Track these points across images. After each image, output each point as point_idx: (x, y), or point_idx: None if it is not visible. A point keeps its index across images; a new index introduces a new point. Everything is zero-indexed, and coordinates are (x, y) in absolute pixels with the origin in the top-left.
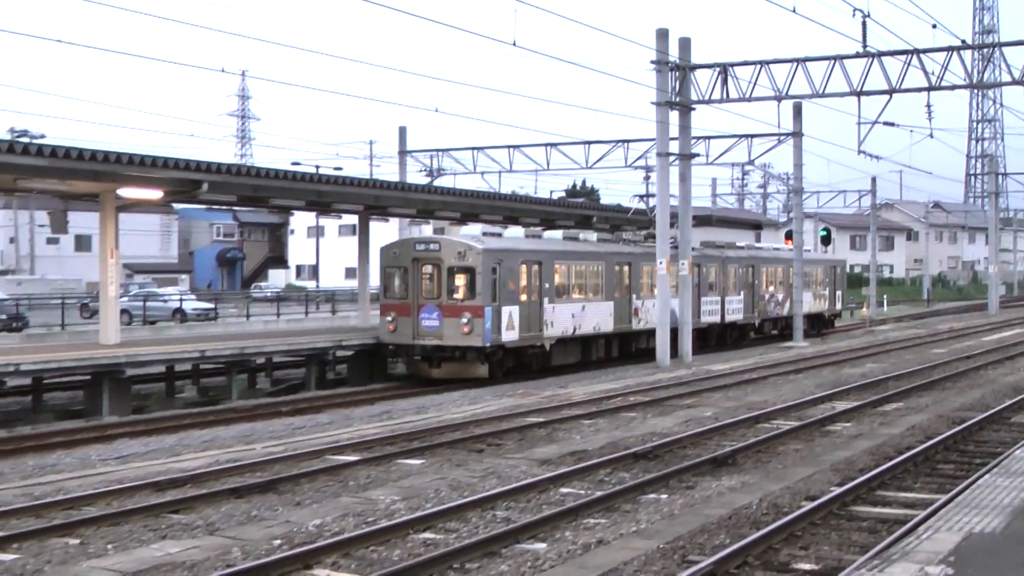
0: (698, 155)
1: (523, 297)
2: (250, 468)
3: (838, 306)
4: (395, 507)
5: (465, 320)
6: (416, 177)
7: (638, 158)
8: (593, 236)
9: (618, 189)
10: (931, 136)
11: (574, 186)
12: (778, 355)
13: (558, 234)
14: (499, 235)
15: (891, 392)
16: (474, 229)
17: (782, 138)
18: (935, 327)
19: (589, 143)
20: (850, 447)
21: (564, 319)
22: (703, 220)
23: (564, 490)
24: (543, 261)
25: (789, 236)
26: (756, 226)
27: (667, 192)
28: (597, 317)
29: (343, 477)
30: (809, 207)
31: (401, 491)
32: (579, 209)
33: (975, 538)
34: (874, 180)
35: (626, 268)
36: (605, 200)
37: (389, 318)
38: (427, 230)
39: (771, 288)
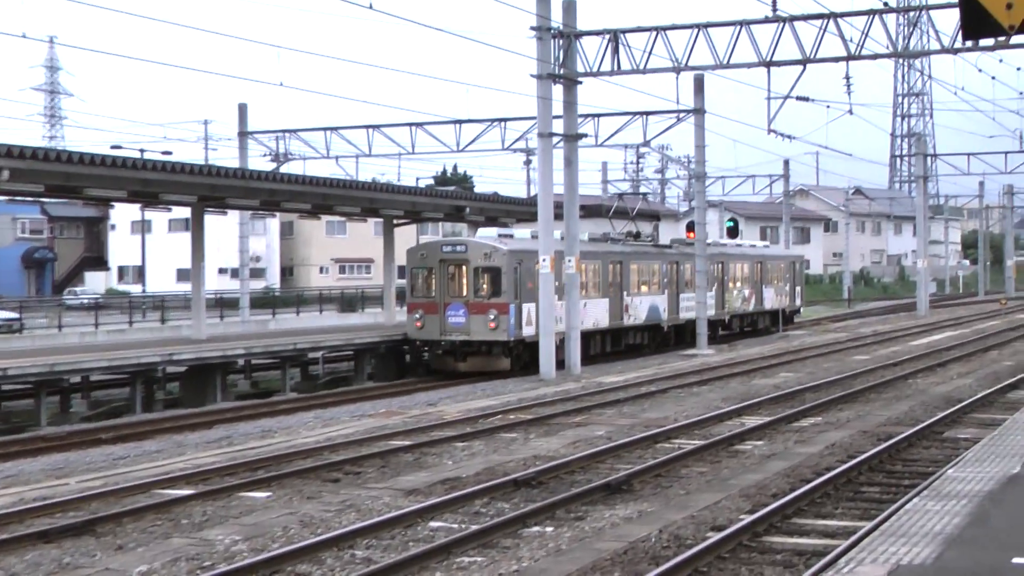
0: (586, 135)
1: (537, 295)
2: (62, 507)
3: (798, 302)
4: (236, 548)
5: (492, 316)
6: (260, 163)
7: (517, 139)
8: (584, 235)
9: (494, 176)
10: (851, 112)
11: (444, 172)
12: (680, 364)
13: (557, 234)
14: (512, 236)
15: (808, 405)
16: (490, 231)
17: (682, 116)
18: (857, 330)
19: (460, 122)
20: (762, 469)
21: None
22: (592, 211)
23: (434, 524)
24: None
25: (691, 228)
26: (654, 216)
27: (550, 178)
28: (596, 313)
29: (174, 514)
30: (714, 194)
31: (243, 529)
32: (450, 199)
33: (903, 571)
34: (787, 163)
35: (618, 267)
36: (480, 188)
37: (417, 316)
38: (311, 224)
39: (738, 284)
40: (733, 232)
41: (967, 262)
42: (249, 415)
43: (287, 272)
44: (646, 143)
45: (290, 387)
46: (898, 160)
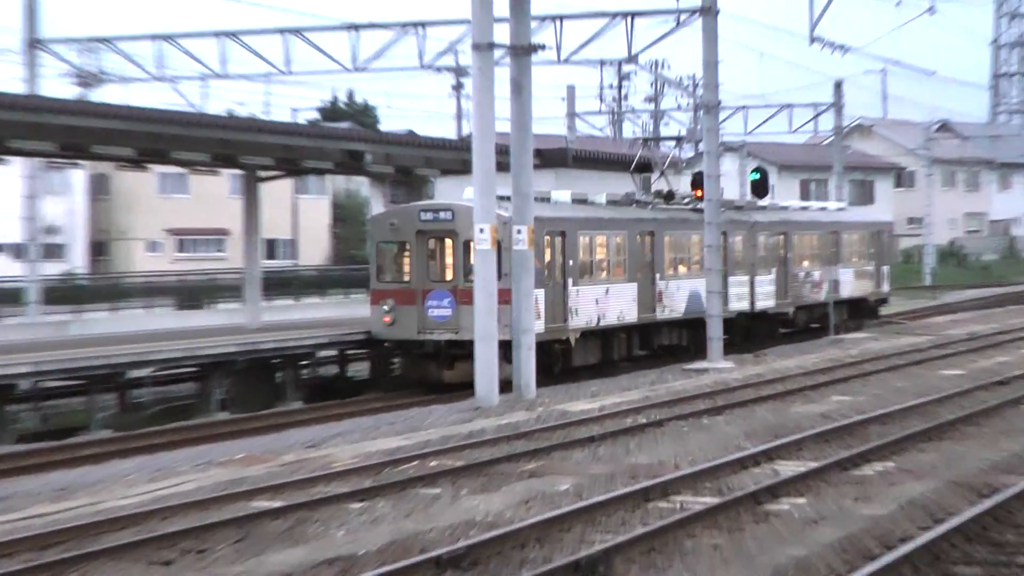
0: (543, 47)
1: (547, 279)
2: None
3: (885, 287)
4: None
5: None
6: (58, 86)
7: (442, 53)
8: (602, 198)
9: (410, 108)
10: (932, 11)
11: (335, 103)
12: (683, 383)
13: (566, 196)
14: (508, 197)
15: (872, 445)
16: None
17: (684, 18)
18: (945, 331)
19: (357, 28)
20: (805, 540)
21: (588, 306)
22: (554, 158)
23: None
24: (567, 232)
25: (698, 182)
26: (643, 167)
27: (490, 110)
28: (620, 303)
29: None
30: (732, 133)
31: None
32: (343, 141)
33: None
34: (839, 87)
35: (647, 240)
36: (389, 126)
37: (386, 307)
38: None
39: (806, 264)
40: (760, 188)
41: None
42: (37, 465)
43: (99, 250)
44: (632, 58)
45: (101, 422)
46: (1004, 81)
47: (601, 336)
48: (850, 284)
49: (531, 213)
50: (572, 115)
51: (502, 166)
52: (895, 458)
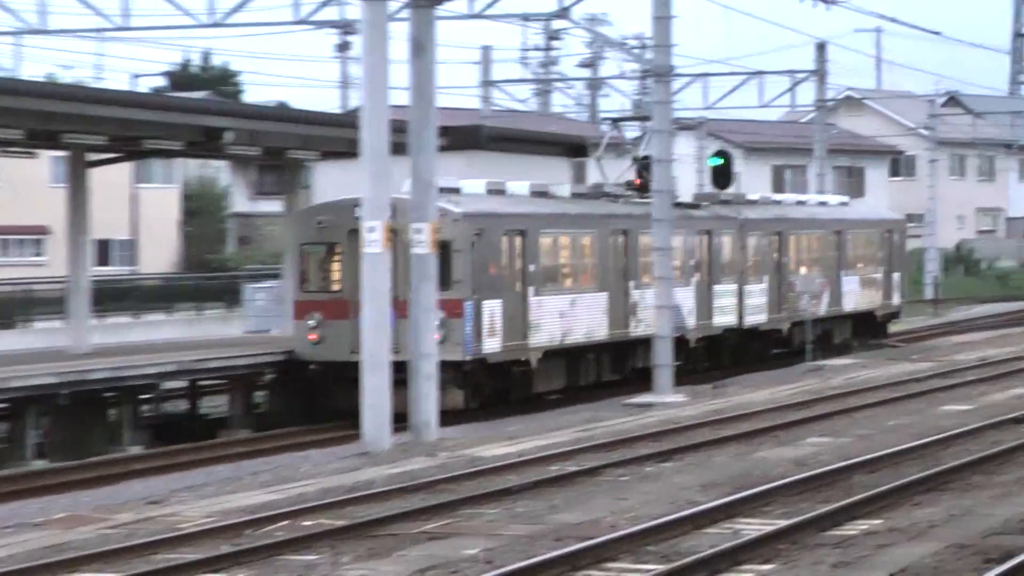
0: None
1: (505, 287)
2: None
3: (895, 299)
4: None
5: (436, 322)
6: None
7: (323, 4)
8: (565, 190)
9: (282, 74)
10: None
11: (187, 66)
12: (624, 422)
13: (524, 188)
14: (458, 191)
15: (859, 497)
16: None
17: None
18: (949, 355)
19: None
20: None
21: (552, 320)
22: (465, 138)
23: None
24: (528, 231)
25: (643, 168)
26: (576, 150)
27: (384, 76)
28: (590, 317)
29: None
30: (688, 108)
31: None
32: (198, 115)
33: None
34: (822, 49)
35: (620, 240)
36: (256, 96)
37: (311, 323)
38: None
39: (803, 271)
40: (722, 176)
41: None
42: None
43: None
44: (563, 12)
45: None
46: None
47: (566, 356)
48: (855, 295)
49: (433, 205)
50: (488, 84)
51: (399, 147)
52: (885, 515)
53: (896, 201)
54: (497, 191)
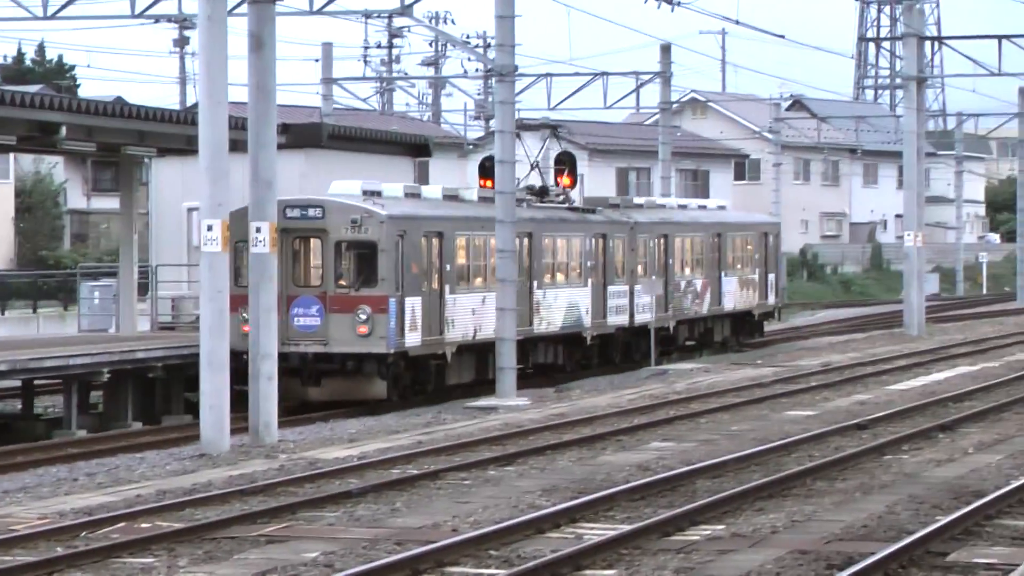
0: None
1: (424, 285)
2: None
3: (771, 298)
4: None
5: (363, 317)
6: None
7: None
8: (472, 194)
9: (119, 69)
10: None
11: (19, 59)
12: (467, 426)
13: (436, 192)
14: (379, 194)
15: (701, 503)
16: (350, 186)
17: None
18: (792, 361)
19: None
20: None
21: (465, 317)
22: (305, 135)
23: None
24: (444, 233)
25: (487, 170)
26: (419, 149)
27: (223, 72)
28: (494, 315)
29: None
30: (533, 109)
31: None
32: (29, 110)
33: None
34: (667, 51)
35: (525, 242)
36: (91, 91)
37: (245, 316)
38: None
39: (688, 272)
40: (568, 179)
41: (995, 236)
42: None
43: None
44: (405, 9)
45: None
46: (870, 47)
47: (476, 352)
48: (734, 295)
49: (273, 206)
50: (329, 81)
51: (239, 144)
52: (728, 520)
53: (741, 205)
54: (413, 194)
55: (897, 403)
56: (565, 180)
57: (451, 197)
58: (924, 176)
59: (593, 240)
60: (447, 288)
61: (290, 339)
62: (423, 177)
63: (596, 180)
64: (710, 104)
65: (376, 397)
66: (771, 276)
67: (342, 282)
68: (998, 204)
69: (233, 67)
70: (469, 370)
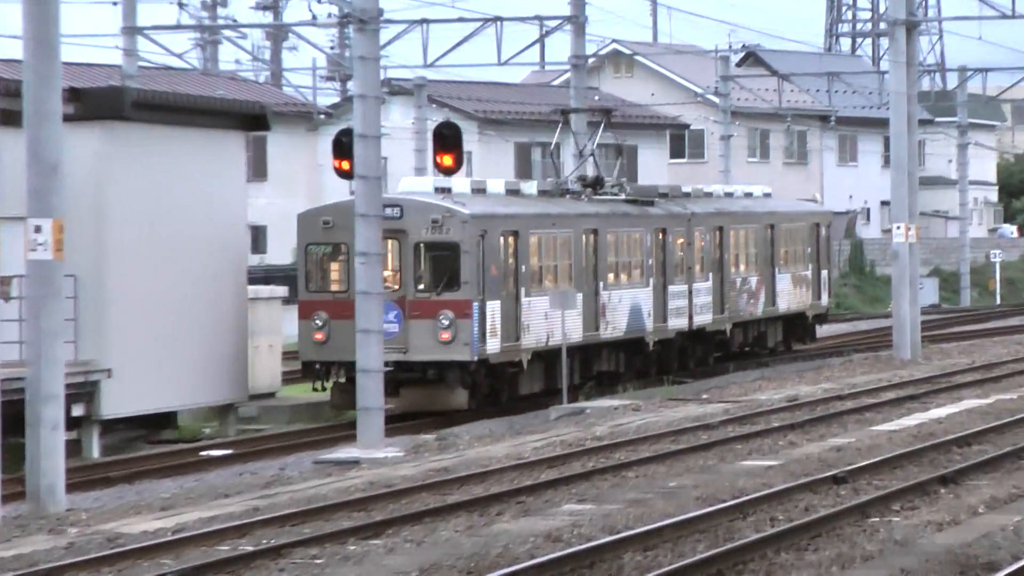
0: None
1: (503, 288)
2: None
3: (824, 298)
4: None
5: (446, 322)
6: None
7: None
8: (533, 188)
9: None
10: None
11: None
12: (319, 486)
13: (499, 187)
14: (449, 190)
15: None
16: (422, 183)
17: None
18: (747, 392)
19: None
20: None
21: (539, 322)
22: (102, 104)
23: None
24: (519, 231)
25: (343, 149)
26: (254, 121)
27: None
28: (569, 318)
29: None
30: (404, 66)
31: None
32: None
33: None
34: None
35: (591, 239)
36: None
37: (318, 322)
38: None
39: (742, 268)
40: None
41: (1011, 229)
42: None
43: None
44: None
45: None
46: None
47: (545, 359)
48: (787, 294)
49: (60, 196)
50: (133, 31)
51: (11, 117)
52: None
53: (677, 180)
54: (479, 190)
55: (884, 449)
56: (446, 159)
57: (513, 192)
58: (918, 151)
59: (653, 235)
60: (522, 291)
61: None
62: (259, 158)
63: (489, 159)
64: (638, 59)
65: (458, 407)
66: (824, 273)
67: (421, 286)
68: (1013, 187)
69: (7, 15)
70: (539, 379)
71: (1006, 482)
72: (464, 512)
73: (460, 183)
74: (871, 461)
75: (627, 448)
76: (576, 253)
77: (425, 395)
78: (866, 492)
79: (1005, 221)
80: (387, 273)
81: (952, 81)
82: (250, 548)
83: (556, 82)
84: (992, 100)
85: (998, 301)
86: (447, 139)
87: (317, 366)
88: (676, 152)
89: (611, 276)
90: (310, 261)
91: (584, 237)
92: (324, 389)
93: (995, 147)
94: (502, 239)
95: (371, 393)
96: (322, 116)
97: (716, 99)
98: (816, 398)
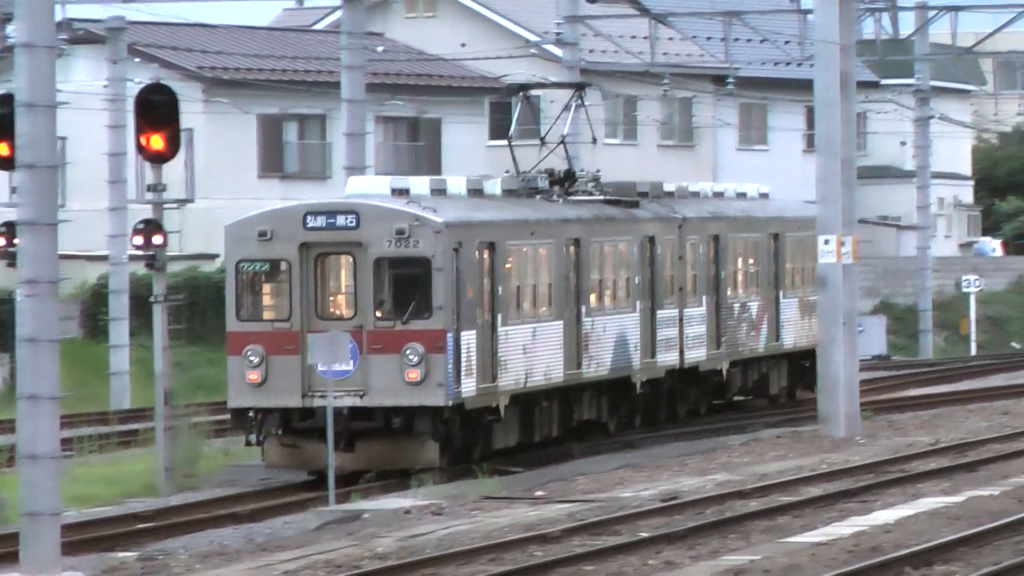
0: None
1: (478, 314)
2: None
3: None
4: None
5: (414, 358)
6: None
7: None
8: (496, 186)
9: None
10: None
11: None
12: None
13: (460, 187)
14: (407, 191)
15: None
16: (377, 184)
17: None
18: (606, 487)
19: None
20: None
21: (517, 357)
22: None
23: None
24: (496, 242)
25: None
26: None
27: None
28: (546, 354)
29: None
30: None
31: None
32: None
33: None
34: None
35: (571, 251)
36: None
37: (253, 359)
38: None
39: (740, 290)
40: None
41: (992, 244)
42: None
43: None
44: None
45: None
46: None
47: (522, 404)
48: (794, 324)
49: None
50: None
51: None
52: None
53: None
54: (440, 190)
55: (806, 571)
56: (155, 140)
57: (475, 192)
58: (856, 127)
59: (639, 246)
60: (499, 317)
61: (313, 389)
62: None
63: (220, 139)
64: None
65: (427, 465)
66: None
67: (382, 313)
68: (998, 181)
69: None
70: (515, 429)
71: None
72: None
73: (418, 183)
74: None
75: (422, 570)
76: (557, 269)
77: (387, 449)
78: None
79: (984, 232)
80: (339, 297)
81: (908, 25)
82: None
83: (320, 25)
84: (966, 53)
85: (973, 351)
86: (157, 110)
87: (251, 414)
88: (499, 129)
89: (594, 298)
90: (241, 283)
91: (564, 249)
92: (259, 443)
93: (970, 123)
94: (477, 253)
95: (41, 491)
96: None
97: (558, 50)
98: (705, 494)
